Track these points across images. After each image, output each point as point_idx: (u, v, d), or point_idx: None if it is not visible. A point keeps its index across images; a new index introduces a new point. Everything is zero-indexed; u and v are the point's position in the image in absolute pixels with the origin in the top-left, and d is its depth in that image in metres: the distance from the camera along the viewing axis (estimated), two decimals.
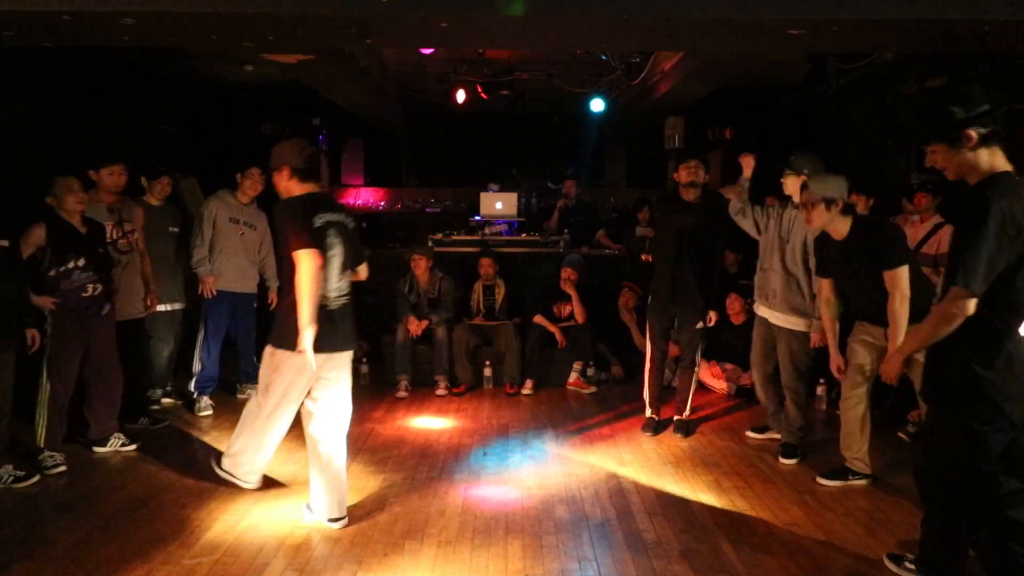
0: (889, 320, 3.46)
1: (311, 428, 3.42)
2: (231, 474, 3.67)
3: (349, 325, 3.42)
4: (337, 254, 3.29)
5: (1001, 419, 2.49)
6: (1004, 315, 2.49)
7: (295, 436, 4.69)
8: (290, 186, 3.33)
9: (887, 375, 3.09)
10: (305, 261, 3.12)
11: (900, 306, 3.41)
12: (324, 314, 3.23)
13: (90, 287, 4.16)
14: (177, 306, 5.27)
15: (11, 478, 3.82)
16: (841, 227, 3.64)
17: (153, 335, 5.11)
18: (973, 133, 2.48)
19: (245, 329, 5.53)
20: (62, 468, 4.02)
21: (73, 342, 4.13)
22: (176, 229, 5.23)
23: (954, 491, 2.67)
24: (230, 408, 5.32)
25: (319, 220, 3.23)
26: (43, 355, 4.03)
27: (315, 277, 3.14)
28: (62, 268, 4.08)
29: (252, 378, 5.74)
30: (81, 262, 4.13)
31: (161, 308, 5.04)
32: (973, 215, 2.43)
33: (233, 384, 5.66)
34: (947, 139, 2.54)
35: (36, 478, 3.87)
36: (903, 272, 3.43)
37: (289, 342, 3.18)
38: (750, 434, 4.79)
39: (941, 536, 2.79)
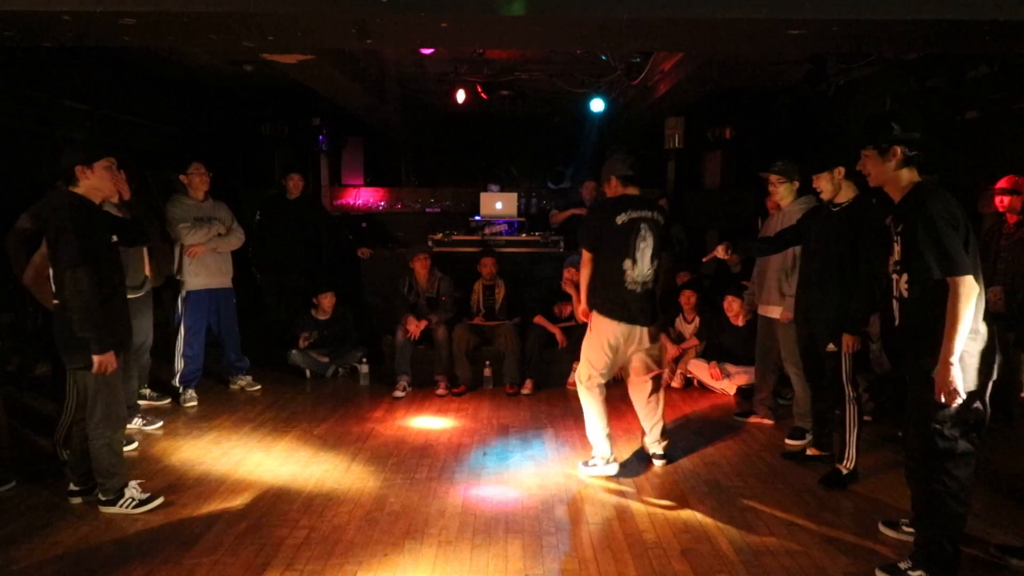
0: None
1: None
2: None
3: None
4: (647, 245, 3.95)
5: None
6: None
7: (295, 436, 4.71)
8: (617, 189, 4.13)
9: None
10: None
11: None
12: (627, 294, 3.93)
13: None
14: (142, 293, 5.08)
15: (134, 502, 3.58)
16: None
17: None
18: (899, 150, 2.86)
19: (227, 323, 5.57)
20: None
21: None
22: None
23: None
24: (225, 406, 5.34)
25: (622, 217, 3.95)
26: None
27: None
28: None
29: (241, 370, 5.77)
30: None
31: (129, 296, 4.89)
32: (924, 219, 2.71)
33: (219, 380, 5.70)
34: (878, 147, 2.91)
35: (159, 500, 3.63)
36: None
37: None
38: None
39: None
